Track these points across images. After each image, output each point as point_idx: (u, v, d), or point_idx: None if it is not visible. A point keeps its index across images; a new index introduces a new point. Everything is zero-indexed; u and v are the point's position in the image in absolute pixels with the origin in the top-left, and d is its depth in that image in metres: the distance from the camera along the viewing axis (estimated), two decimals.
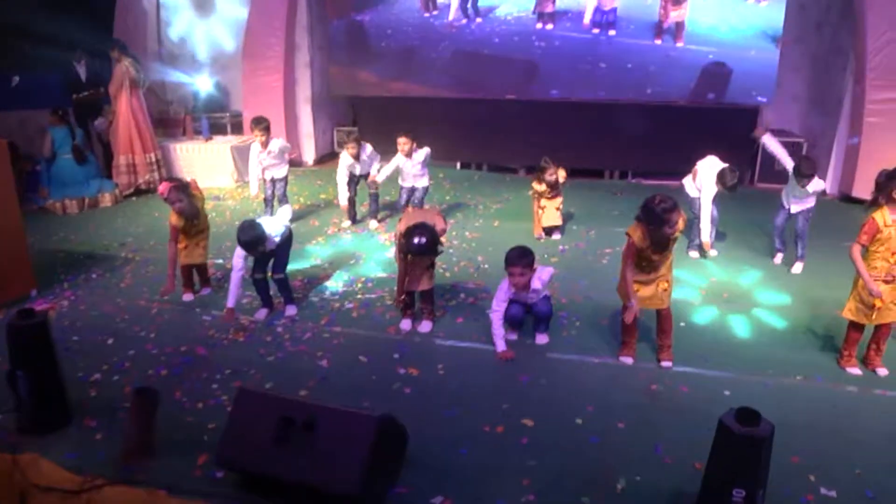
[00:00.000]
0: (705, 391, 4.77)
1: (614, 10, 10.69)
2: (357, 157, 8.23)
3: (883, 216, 4.72)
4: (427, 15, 11.50)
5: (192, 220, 6.17)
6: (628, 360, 5.22)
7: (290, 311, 6.04)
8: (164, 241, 6.76)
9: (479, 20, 11.33)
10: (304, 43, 11.75)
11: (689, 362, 5.13)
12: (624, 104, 10.73)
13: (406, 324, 5.72)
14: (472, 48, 11.36)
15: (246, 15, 11.52)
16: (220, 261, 7.12)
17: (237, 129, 11.82)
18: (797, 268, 6.98)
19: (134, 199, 9.86)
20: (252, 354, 5.26)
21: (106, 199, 9.60)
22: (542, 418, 4.42)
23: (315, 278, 6.76)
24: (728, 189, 7.00)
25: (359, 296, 6.35)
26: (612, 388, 4.84)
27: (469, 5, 11.35)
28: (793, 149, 10.45)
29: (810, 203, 6.93)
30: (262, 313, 6.01)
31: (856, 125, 9.66)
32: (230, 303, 5.78)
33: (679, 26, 10.47)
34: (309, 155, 12.19)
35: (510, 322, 5.44)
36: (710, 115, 10.55)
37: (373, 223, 8.49)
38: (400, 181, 8.32)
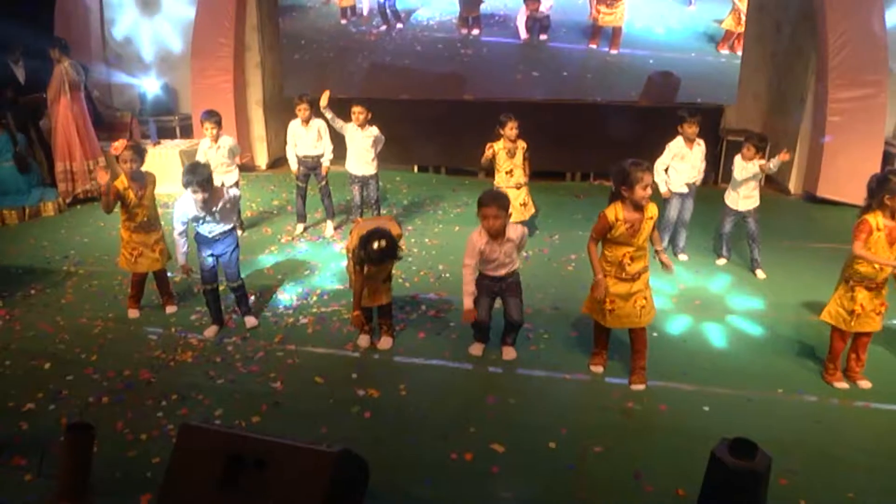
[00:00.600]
0: (684, 408, 4.55)
1: (547, 17, 10.38)
2: (307, 122, 7.82)
3: (875, 220, 4.55)
4: (344, 22, 11.03)
5: (138, 192, 5.65)
6: (598, 370, 5.04)
7: (251, 322, 5.71)
8: (110, 253, 6.43)
9: (399, 25, 10.88)
10: (255, 43, 11.33)
11: (665, 376, 4.92)
12: (584, 104, 10.50)
13: (364, 340, 5.41)
14: (392, 59, 10.96)
15: (193, 14, 11.07)
16: (170, 273, 6.68)
17: (186, 132, 11.37)
18: (761, 273, 6.84)
19: (79, 207, 9.37)
20: (201, 377, 4.92)
21: (48, 209, 9.10)
22: (513, 443, 4.16)
23: (268, 291, 6.41)
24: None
25: (314, 310, 6.02)
26: (587, 408, 4.60)
27: (388, 9, 10.87)
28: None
29: (756, 196, 6.87)
30: (211, 331, 5.66)
31: (819, 124, 9.56)
32: (181, 259, 5.47)
33: (616, 31, 10.23)
34: (261, 159, 11.77)
35: (479, 324, 5.18)
36: (671, 115, 10.34)
37: (329, 229, 8.13)
38: (348, 167, 7.86)
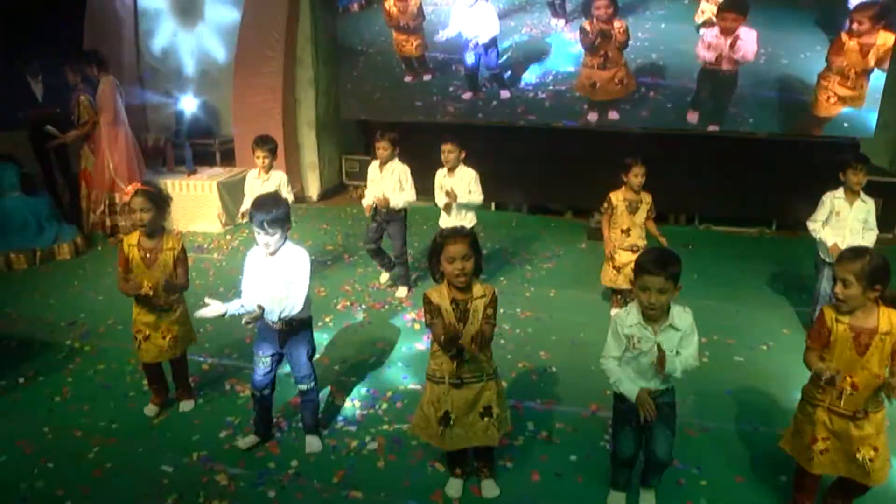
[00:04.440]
0: None
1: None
2: (384, 164, 6.33)
3: None
4: (409, 80, 9.55)
5: (147, 254, 4.22)
6: None
7: (313, 445, 4.23)
8: (125, 320, 4.90)
9: (505, 94, 9.21)
10: (307, 56, 9.93)
11: None
12: (689, 135, 8.91)
13: (455, 488, 3.85)
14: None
15: (238, 23, 9.73)
16: (200, 358, 5.25)
17: (227, 157, 10.02)
18: None
19: (99, 248, 8.04)
20: None
21: (64, 251, 7.74)
22: None
23: (322, 392, 4.89)
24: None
25: (384, 426, 4.47)
26: None
27: (482, 72, 9.17)
28: (889, 190, 8.74)
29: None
30: (248, 442, 4.23)
31: None
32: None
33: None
34: (313, 189, 10.36)
35: (621, 462, 3.66)
36: (791, 150, 8.73)
37: (401, 290, 6.64)
38: (440, 220, 6.38)
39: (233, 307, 3.85)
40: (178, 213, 8.50)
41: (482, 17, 8.88)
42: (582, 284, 6.71)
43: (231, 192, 8.62)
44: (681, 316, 3.32)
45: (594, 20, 8.37)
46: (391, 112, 9.56)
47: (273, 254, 3.87)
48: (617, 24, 8.36)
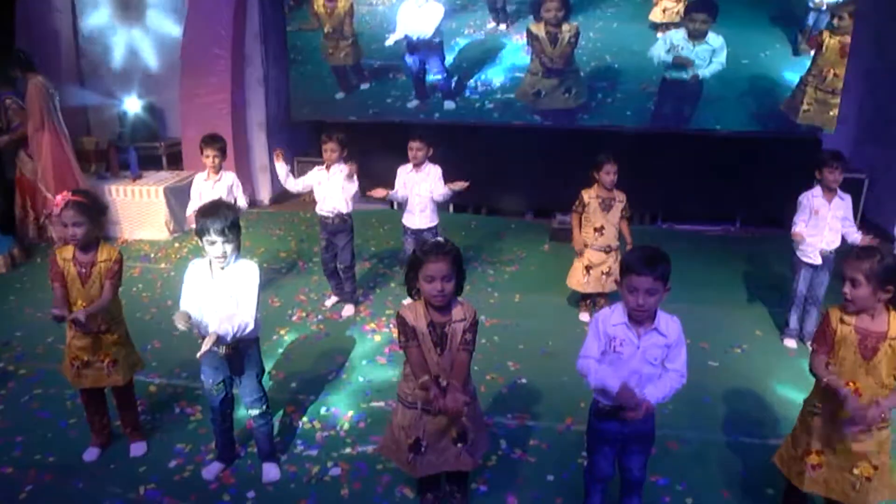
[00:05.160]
0: None
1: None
2: (332, 165, 5.92)
3: None
4: (342, 96, 9.20)
5: (82, 269, 3.78)
6: None
7: (270, 474, 3.91)
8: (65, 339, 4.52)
9: (450, 105, 8.84)
10: (256, 55, 9.56)
11: None
12: (650, 134, 8.74)
13: None
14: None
15: (183, 21, 9.31)
16: (147, 378, 4.89)
17: (174, 161, 9.60)
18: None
19: (39, 260, 7.57)
20: None
21: None
22: None
23: (277, 412, 4.58)
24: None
25: (347, 449, 4.16)
26: None
27: (424, 76, 8.77)
28: (851, 185, 8.67)
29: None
30: (211, 470, 3.90)
31: None
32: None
33: None
34: (264, 193, 9.99)
35: (596, 478, 3.43)
36: (752, 147, 8.61)
37: (347, 308, 6.19)
38: (403, 218, 6.17)
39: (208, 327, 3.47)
40: (123, 220, 8.12)
41: (430, 17, 8.54)
42: (547, 288, 6.47)
43: (179, 198, 8.19)
44: (668, 323, 3.07)
45: (543, 22, 8.03)
46: (343, 112, 9.23)
47: (224, 267, 3.55)
48: (566, 27, 8.05)
